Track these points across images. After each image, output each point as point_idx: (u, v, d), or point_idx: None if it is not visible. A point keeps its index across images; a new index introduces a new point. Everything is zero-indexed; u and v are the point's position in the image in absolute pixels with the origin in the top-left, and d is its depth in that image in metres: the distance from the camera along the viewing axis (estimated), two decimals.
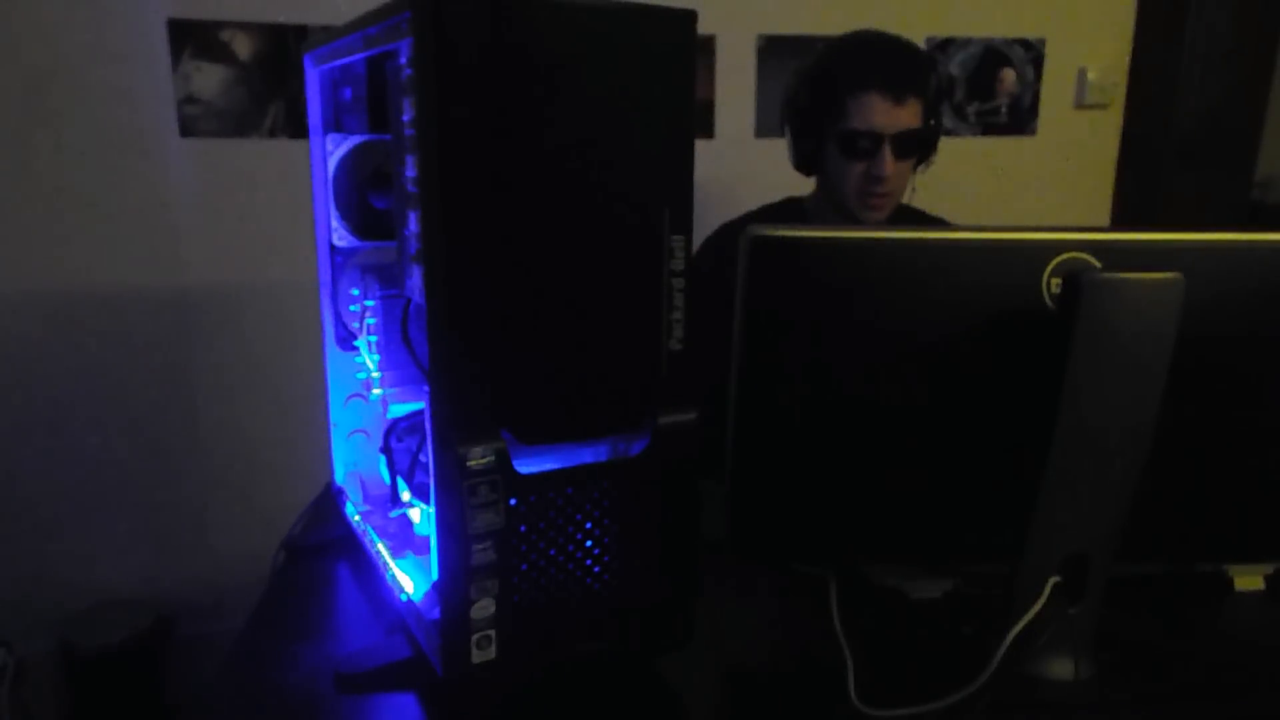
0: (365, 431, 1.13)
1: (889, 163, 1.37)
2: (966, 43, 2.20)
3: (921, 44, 2.17)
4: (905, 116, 1.36)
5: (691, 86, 0.74)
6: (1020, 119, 2.28)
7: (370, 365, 1.04)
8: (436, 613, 0.74)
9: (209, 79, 1.84)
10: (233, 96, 1.86)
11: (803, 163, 1.49)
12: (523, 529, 0.73)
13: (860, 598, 0.91)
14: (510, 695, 0.77)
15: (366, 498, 1.13)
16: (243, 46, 1.85)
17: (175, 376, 1.94)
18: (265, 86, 1.87)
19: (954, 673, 0.76)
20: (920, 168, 1.47)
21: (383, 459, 1.03)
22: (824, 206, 1.52)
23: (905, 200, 1.51)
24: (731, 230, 1.57)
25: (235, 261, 1.92)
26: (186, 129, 1.85)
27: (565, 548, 0.75)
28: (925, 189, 1.72)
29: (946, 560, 0.90)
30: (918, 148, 1.41)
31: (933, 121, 1.42)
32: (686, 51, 0.73)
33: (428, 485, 0.74)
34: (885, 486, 0.83)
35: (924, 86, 1.38)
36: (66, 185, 1.81)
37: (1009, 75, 2.25)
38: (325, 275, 1.08)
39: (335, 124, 1.06)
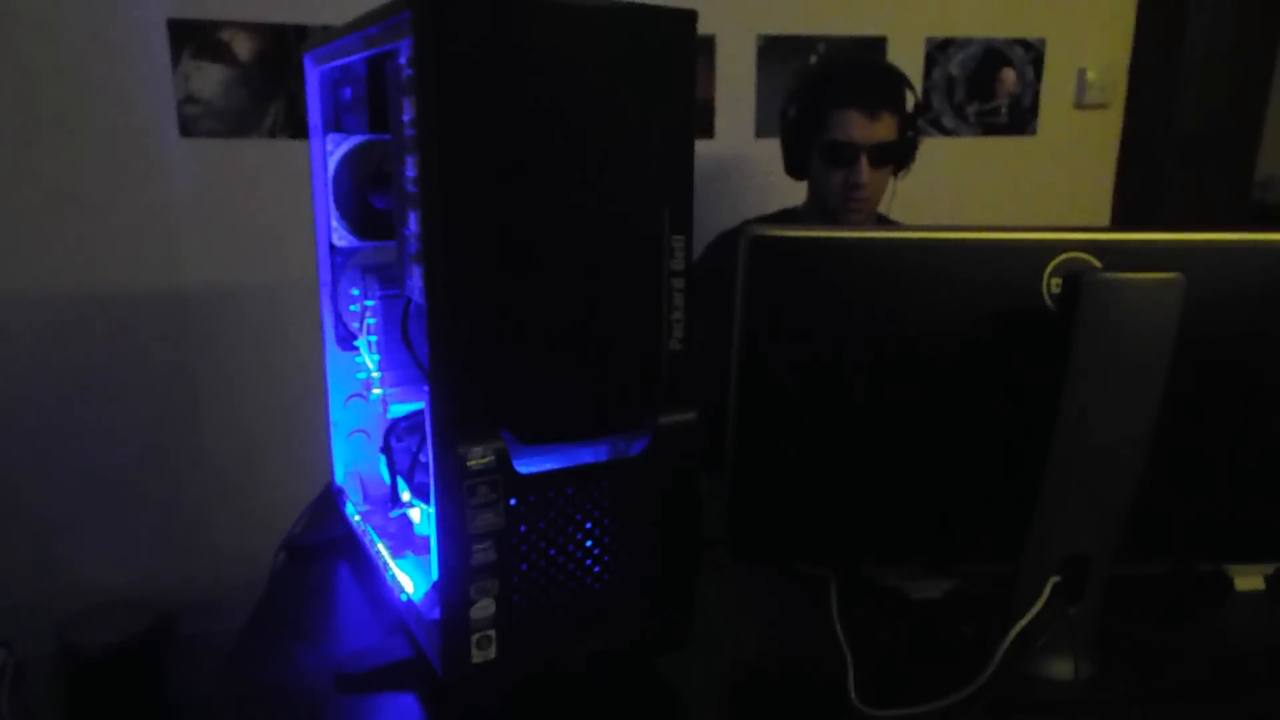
0: (365, 431, 1.13)
1: (866, 171, 1.53)
2: (966, 43, 2.20)
3: (921, 44, 2.18)
4: (880, 130, 1.53)
5: (691, 86, 0.74)
6: (1020, 119, 2.28)
7: (370, 365, 1.04)
8: (436, 613, 0.74)
9: (209, 79, 1.84)
10: (233, 96, 1.86)
11: (792, 169, 1.65)
12: (523, 529, 0.73)
13: (860, 598, 0.91)
14: (510, 695, 0.77)
15: (366, 498, 1.13)
16: (243, 46, 1.85)
17: (175, 376, 1.94)
18: (265, 86, 1.87)
19: (954, 673, 0.76)
20: (900, 173, 1.62)
21: (383, 459, 1.03)
22: (815, 212, 1.66)
23: (885, 208, 1.66)
24: (730, 237, 1.68)
25: (235, 261, 1.92)
26: (186, 129, 1.85)
27: (565, 548, 0.75)
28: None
29: (946, 560, 0.90)
30: (892, 158, 1.57)
31: (910, 133, 1.59)
32: (686, 51, 0.73)
33: (428, 485, 0.74)
34: (885, 486, 0.83)
35: (898, 103, 1.56)
36: (66, 185, 1.81)
37: (1009, 75, 2.25)
38: (325, 275, 1.08)
39: (335, 124, 1.06)
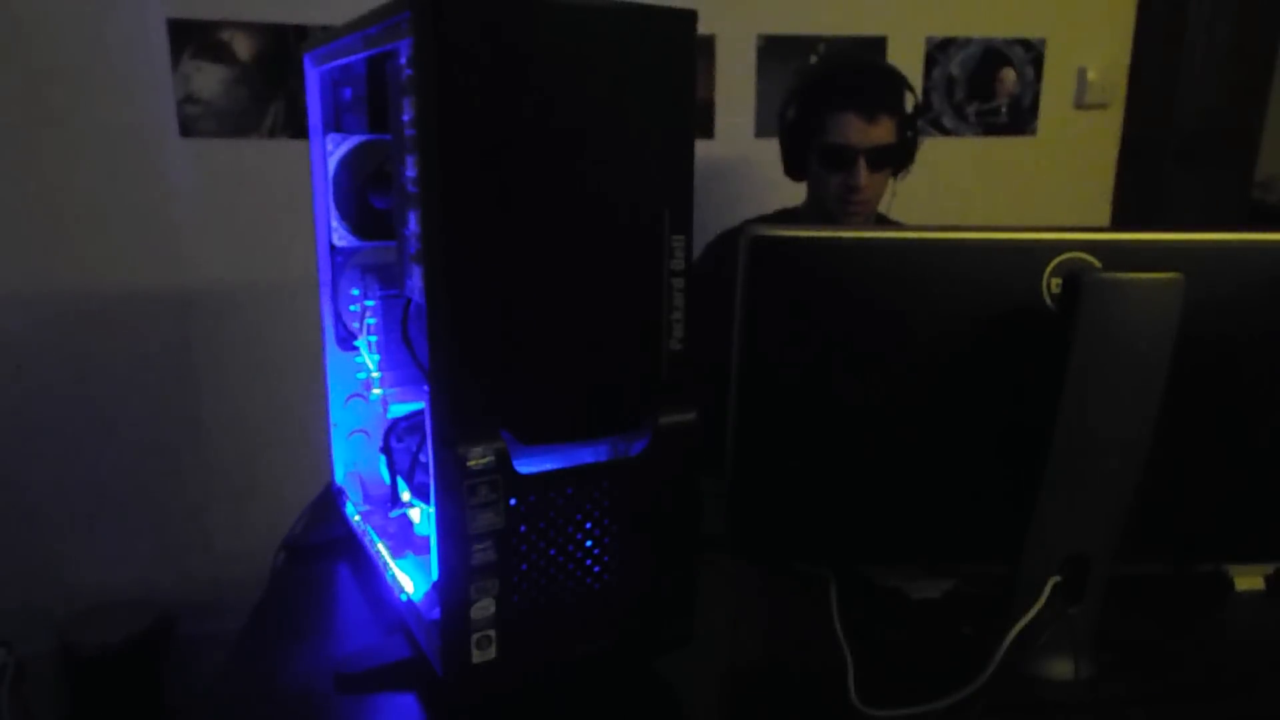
0: (365, 431, 1.13)
1: (864, 174, 1.53)
2: (966, 43, 2.20)
3: (921, 44, 2.17)
4: (878, 133, 1.52)
5: (691, 86, 0.74)
6: (1020, 119, 2.28)
7: (370, 365, 1.04)
8: (436, 613, 0.74)
9: (209, 79, 1.84)
10: (233, 96, 1.86)
11: (791, 171, 1.65)
12: (523, 529, 0.73)
13: (860, 598, 0.91)
14: (510, 695, 0.77)
15: (366, 498, 1.13)
16: (243, 46, 1.85)
17: (175, 377, 1.94)
18: (265, 86, 1.87)
19: (954, 673, 0.76)
20: (900, 174, 1.62)
21: (383, 459, 1.03)
22: (814, 213, 1.65)
23: (885, 208, 1.66)
24: (730, 237, 1.68)
25: (235, 261, 1.92)
26: (186, 129, 1.85)
27: (565, 548, 0.75)
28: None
29: (946, 560, 0.90)
30: (891, 160, 1.57)
31: (909, 134, 1.58)
32: (686, 51, 0.73)
33: (428, 485, 0.74)
34: (885, 486, 0.83)
35: (896, 106, 1.55)
36: (66, 185, 1.81)
37: (1009, 75, 2.25)
38: (325, 275, 1.08)
39: (335, 124, 1.06)
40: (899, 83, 1.57)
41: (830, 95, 1.54)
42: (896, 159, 1.58)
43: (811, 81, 1.59)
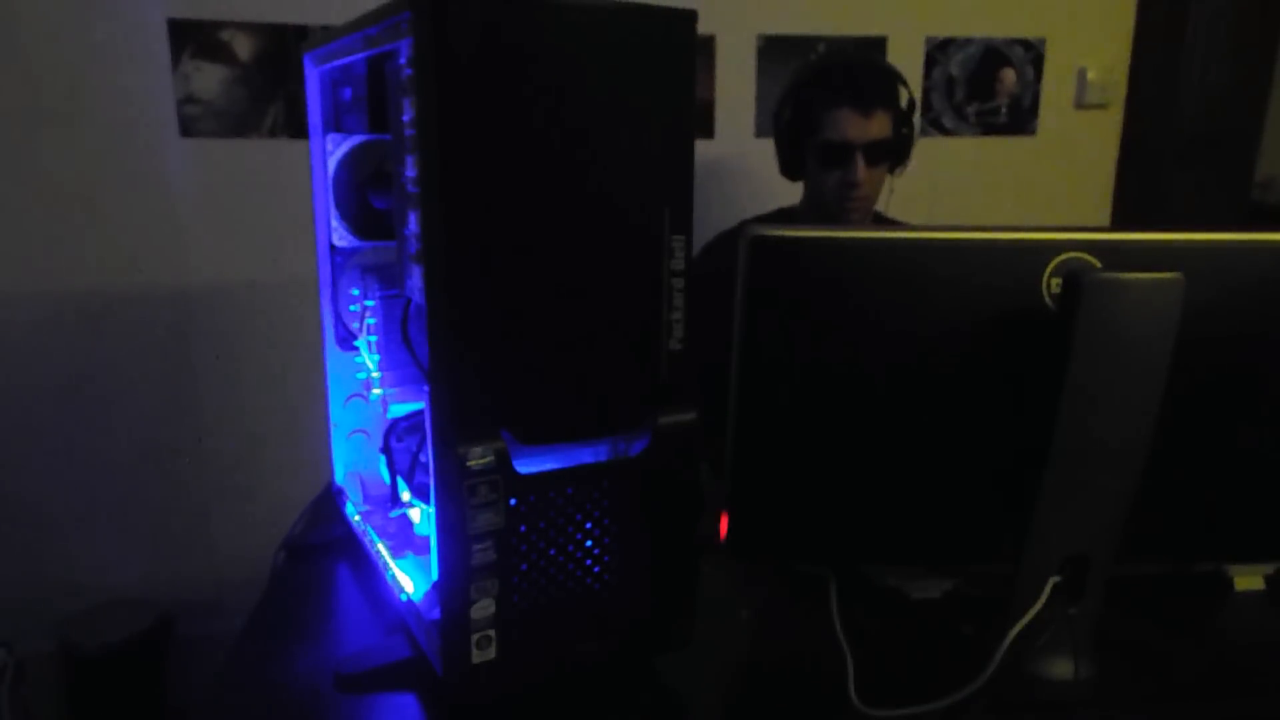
0: (365, 431, 1.13)
1: (861, 170, 1.53)
2: (966, 43, 2.20)
3: (921, 44, 2.18)
4: (874, 128, 1.53)
5: (691, 86, 0.74)
6: (1020, 119, 2.28)
7: (370, 365, 1.04)
8: (436, 613, 0.74)
9: (209, 79, 1.84)
10: (233, 96, 1.86)
11: (787, 171, 1.65)
12: (523, 529, 0.73)
13: (860, 598, 0.91)
14: (510, 695, 0.77)
15: (366, 498, 1.13)
16: (243, 46, 1.85)
17: (175, 377, 1.94)
18: (265, 86, 1.87)
19: (954, 673, 0.76)
20: (897, 170, 1.62)
21: (383, 459, 1.03)
22: (811, 212, 1.66)
23: (882, 206, 1.66)
24: (728, 238, 1.68)
25: (235, 261, 1.92)
26: (186, 129, 1.85)
27: (565, 548, 0.75)
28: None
29: (946, 560, 0.90)
30: (887, 156, 1.57)
31: (905, 130, 1.58)
32: (686, 51, 0.73)
33: (428, 485, 0.74)
34: (885, 486, 0.83)
35: (891, 100, 1.55)
36: (66, 185, 1.81)
37: (1009, 75, 2.25)
38: (325, 275, 1.08)
39: (335, 124, 1.06)
40: (893, 78, 1.57)
41: (825, 92, 1.54)
42: (893, 154, 1.58)
43: (806, 80, 1.59)
